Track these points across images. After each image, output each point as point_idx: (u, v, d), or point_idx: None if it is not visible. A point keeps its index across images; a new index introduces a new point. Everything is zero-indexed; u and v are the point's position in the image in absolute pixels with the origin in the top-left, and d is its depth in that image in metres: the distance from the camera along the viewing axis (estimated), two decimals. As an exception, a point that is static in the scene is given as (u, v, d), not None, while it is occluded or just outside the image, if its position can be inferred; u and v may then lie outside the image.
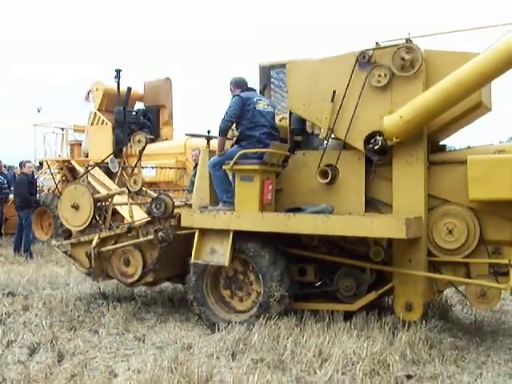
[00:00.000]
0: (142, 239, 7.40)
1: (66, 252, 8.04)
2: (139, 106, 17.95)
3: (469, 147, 7.03)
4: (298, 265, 7.03)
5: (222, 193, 7.03)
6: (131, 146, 16.15)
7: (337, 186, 6.86)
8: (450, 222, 6.41)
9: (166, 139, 17.21)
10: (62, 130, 17.49)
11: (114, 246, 7.61)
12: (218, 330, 6.49)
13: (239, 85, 7.36)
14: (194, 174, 11.54)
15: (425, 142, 6.46)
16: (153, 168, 14.87)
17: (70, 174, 16.24)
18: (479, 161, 6.11)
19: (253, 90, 7.50)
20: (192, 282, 7.03)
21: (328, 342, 5.66)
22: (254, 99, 7.04)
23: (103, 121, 16.40)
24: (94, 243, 7.61)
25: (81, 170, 15.20)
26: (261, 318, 6.39)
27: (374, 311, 6.57)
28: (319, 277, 7.07)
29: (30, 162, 13.92)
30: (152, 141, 11.97)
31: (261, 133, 6.94)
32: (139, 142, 7.58)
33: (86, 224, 7.81)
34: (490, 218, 6.32)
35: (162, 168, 15.22)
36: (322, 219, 6.29)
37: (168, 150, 15.74)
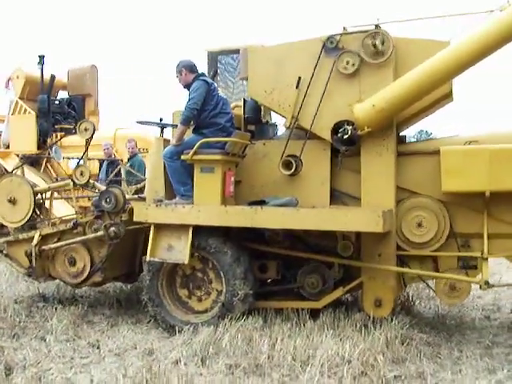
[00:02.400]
0: (90, 236, 6.79)
1: (1, 251, 7.30)
2: (63, 94, 16.95)
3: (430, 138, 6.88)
4: (259, 261, 6.68)
5: (179, 185, 6.50)
6: (56, 137, 15.29)
7: (300, 178, 6.54)
8: (419, 214, 6.22)
9: (92, 130, 16.31)
10: (-22, 119, 16.29)
11: (58, 244, 6.94)
12: (179, 332, 6.04)
13: (193, 69, 6.57)
14: (131, 165, 11.05)
15: (394, 131, 6.24)
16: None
17: (-12, 166, 15.14)
18: (453, 152, 5.92)
19: (205, 75, 6.82)
20: (146, 282, 6.53)
21: (304, 343, 5.33)
22: (215, 85, 6.57)
23: (26, 110, 15.35)
24: (34, 241, 6.92)
25: (1, 162, 14.18)
26: (225, 319, 5.99)
27: (341, 308, 6.31)
28: (281, 273, 6.73)
29: None
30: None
31: (226, 120, 6.48)
32: (86, 130, 6.95)
33: (25, 220, 7.08)
34: (460, 210, 6.18)
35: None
36: (291, 213, 5.92)
37: (96, 141, 14.88)
